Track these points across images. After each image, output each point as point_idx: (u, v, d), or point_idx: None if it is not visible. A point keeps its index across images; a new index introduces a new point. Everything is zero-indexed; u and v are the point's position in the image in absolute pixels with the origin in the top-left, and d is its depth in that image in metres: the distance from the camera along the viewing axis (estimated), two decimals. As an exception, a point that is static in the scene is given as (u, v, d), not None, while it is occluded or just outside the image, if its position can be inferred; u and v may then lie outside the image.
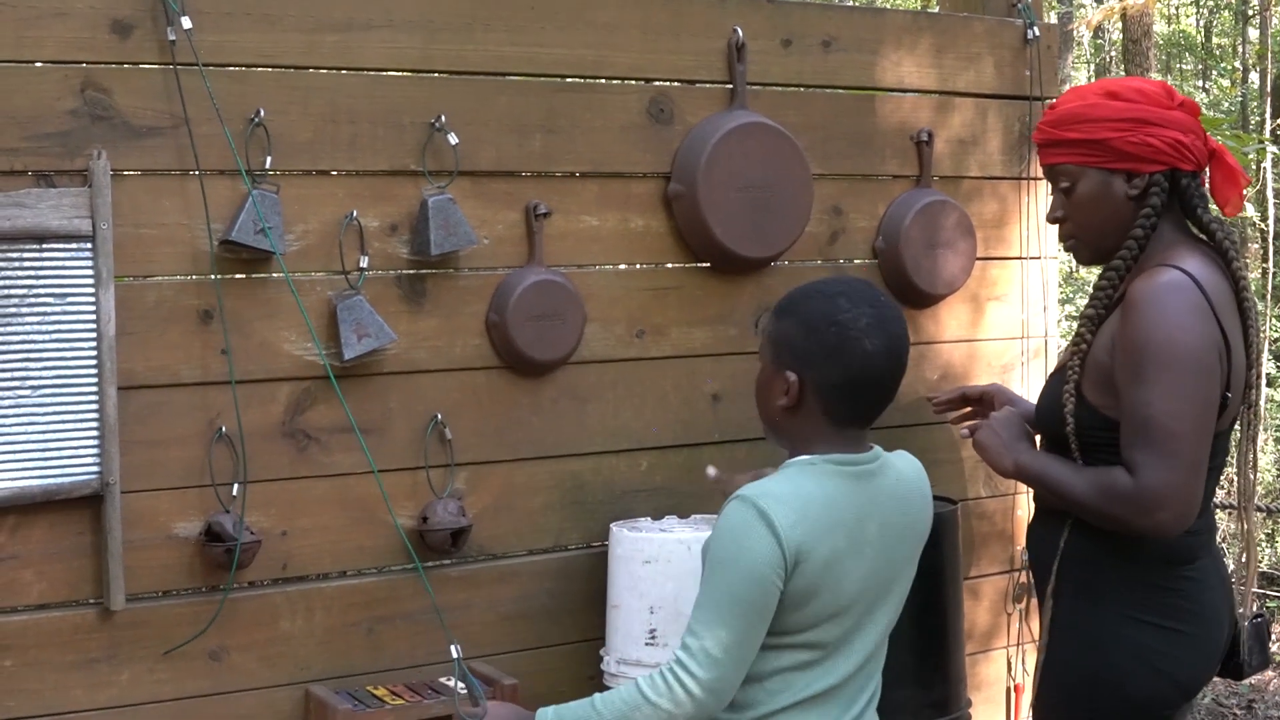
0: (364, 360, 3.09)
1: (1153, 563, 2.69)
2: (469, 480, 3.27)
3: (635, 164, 3.45)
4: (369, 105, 3.12)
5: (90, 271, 2.82)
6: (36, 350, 2.79)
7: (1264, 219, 10.81)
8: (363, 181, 3.13)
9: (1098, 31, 16.92)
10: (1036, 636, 3.09)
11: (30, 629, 2.86)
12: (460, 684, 2.65)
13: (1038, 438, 2.94)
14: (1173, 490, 2.56)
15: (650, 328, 3.49)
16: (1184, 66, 18.24)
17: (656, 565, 3.16)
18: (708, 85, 3.53)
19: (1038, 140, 2.85)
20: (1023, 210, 4.01)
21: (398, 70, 3.18)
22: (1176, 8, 19.02)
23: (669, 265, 3.53)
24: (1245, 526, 2.93)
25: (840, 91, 3.74)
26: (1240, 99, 15.96)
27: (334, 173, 3.12)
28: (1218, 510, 5.22)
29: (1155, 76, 13.69)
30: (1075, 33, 14.26)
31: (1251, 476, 2.89)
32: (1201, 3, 18.92)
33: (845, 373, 2.34)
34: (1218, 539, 2.93)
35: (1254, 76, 16.26)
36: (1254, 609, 2.93)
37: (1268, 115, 13.09)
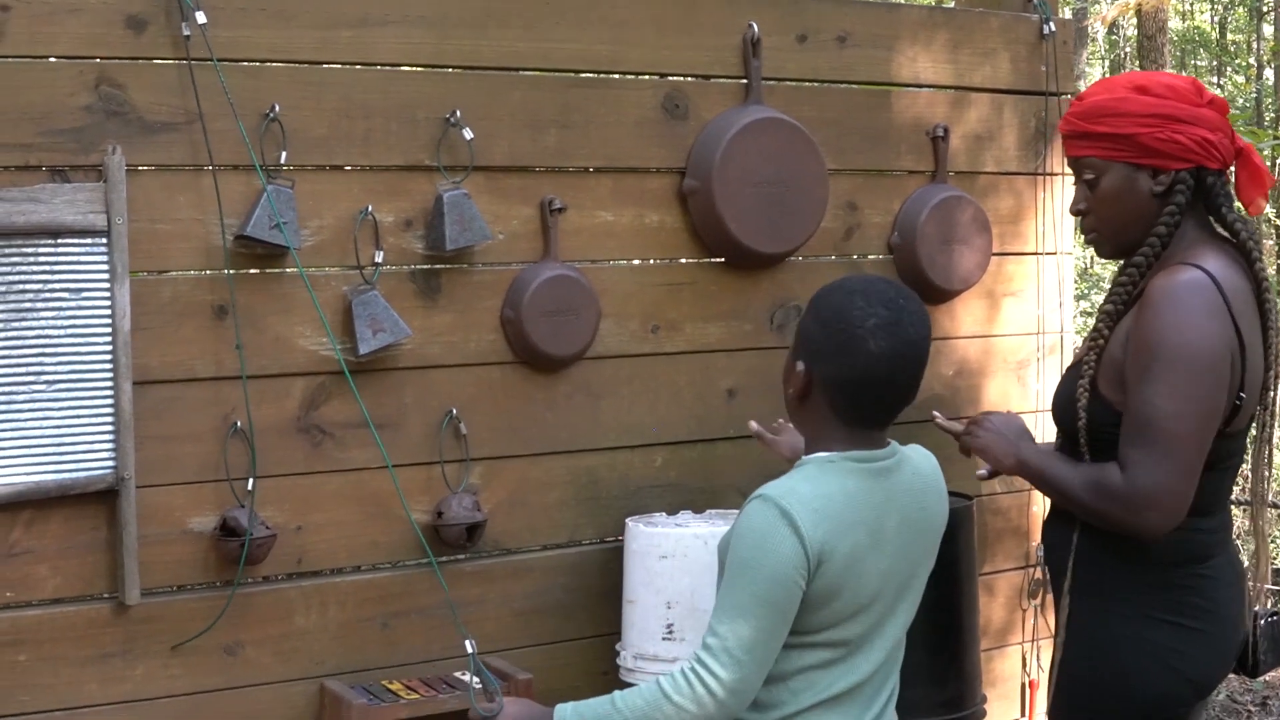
0: (379, 355, 3.09)
1: (1167, 561, 2.67)
2: (484, 475, 3.27)
3: (650, 159, 3.44)
4: (383, 101, 3.12)
5: (105, 267, 2.82)
6: (52, 345, 2.79)
7: (1279, 215, 10.77)
8: (377, 177, 3.13)
9: (1112, 27, 16.87)
10: (1053, 633, 3.08)
11: (45, 623, 2.86)
12: (475, 679, 2.65)
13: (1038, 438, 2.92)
14: (1163, 491, 2.54)
15: (665, 323, 3.48)
16: (1199, 63, 18.17)
17: (673, 560, 3.15)
18: (723, 80, 3.53)
19: (1064, 131, 2.81)
20: (1038, 206, 3.99)
21: (412, 66, 3.18)
22: (1191, 4, 18.96)
23: (684, 261, 3.52)
24: (1258, 525, 2.92)
25: (855, 87, 3.73)
26: (1255, 95, 15.92)
27: (348, 168, 3.12)
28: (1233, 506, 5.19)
29: (1171, 72, 13.63)
30: (1090, 28, 14.21)
31: (1265, 476, 2.87)
32: (1216, -1, 18.88)
33: (849, 371, 2.33)
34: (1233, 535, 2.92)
35: (1268, 73, 16.24)
36: (1269, 606, 2.91)
37: (1282, 111, 13.06)
